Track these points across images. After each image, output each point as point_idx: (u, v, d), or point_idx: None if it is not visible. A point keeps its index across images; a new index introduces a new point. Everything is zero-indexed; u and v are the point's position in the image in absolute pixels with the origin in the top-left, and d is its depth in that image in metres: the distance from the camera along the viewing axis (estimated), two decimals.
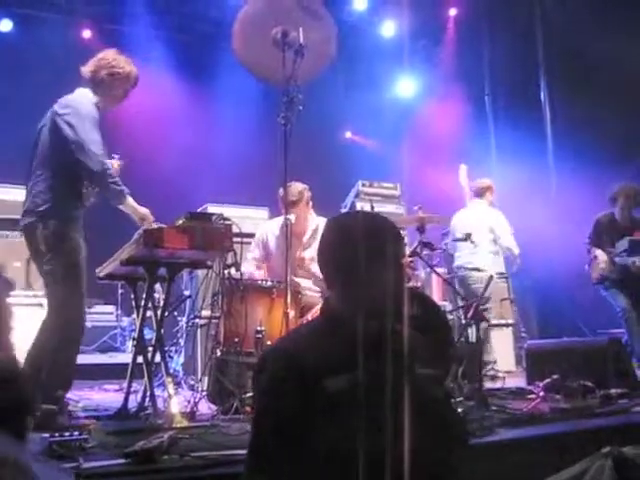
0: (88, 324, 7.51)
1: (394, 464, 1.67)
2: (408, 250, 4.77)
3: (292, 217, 4.42)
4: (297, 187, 5.04)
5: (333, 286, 1.97)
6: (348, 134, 10.89)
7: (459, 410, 3.51)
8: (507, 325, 7.51)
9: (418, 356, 1.88)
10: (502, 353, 7.00)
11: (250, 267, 5.07)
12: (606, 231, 6.47)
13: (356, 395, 1.73)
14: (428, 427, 1.77)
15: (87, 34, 9.13)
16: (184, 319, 5.70)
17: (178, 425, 3.43)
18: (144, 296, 3.90)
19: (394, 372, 1.81)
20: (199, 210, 5.82)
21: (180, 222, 3.61)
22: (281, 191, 4.76)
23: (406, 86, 10.83)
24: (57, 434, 2.71)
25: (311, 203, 5.21)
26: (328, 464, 1.70)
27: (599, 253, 6.39)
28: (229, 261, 4.00)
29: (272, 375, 1.81)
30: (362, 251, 1.87)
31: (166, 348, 4.83)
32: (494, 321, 6.98)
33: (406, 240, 5.41)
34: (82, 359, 6.95)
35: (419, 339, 1.95)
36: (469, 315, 4.06)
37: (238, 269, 4.02)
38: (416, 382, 1.82)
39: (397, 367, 1.82)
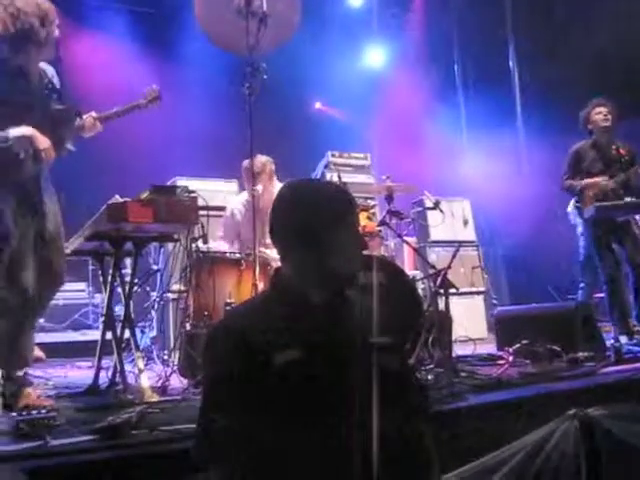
0: (59, 302, 7.50)
1: (349, 434, 1.66)
2: (378, 219, 4.78)
3: (259, 187, 4.40)
4: (260, 159, 5.02)
5: (287, 255, 1.93)
6: (318, 105, 10.81)
7: (428, 377, 3.54)
8: (478, 293, 7.59)
9: (374, 325, 1.83)
10: (474, 320, 7.10)
11: (221, 247, 5.03)
12: (589, 159, 5.77)
13: (306, 368, 1.71)
14: (383, 396, 1.74)
15: None
16: (155, 294, 5.67)
17: (149, 400, 3.43)
18: (111, 271, 3.87)
19: (345, 342, 1.78)
20: (168, 184, 5.76)
21: (144, 195, 3.57)
22: (245, 163, 4.72)
23: (375, 56, 10.75)
24: (24, 412, 2.68)
25: (275, 177, 5.17)
26: (278, 438, 1.68)
27: (587, 180, 5.66)
28: (196, 234, 3.97)
29: (219, 352, 1.77)
30: (317, 218, 1.84)
31: (138, 323, 4.82)
32: (465, 289, 7.05)
33: (376, 210, 5.42)
34: (54, 337, 6.96)
35: (376, 307, 1.91)
36: (438, 283, 4.07)
37: (206, 242, 3.99)
38: (369, 351, 1.78)
39: (349, 337, 1.79)
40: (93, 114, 3.96)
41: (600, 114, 5.76)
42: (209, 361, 1.80)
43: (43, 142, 3.33)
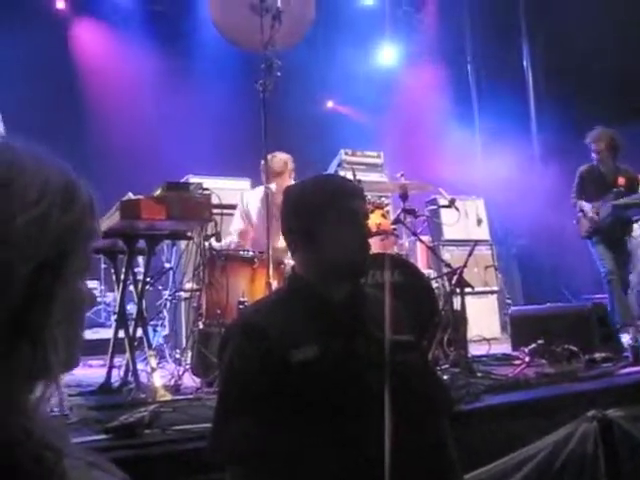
0: None
1: (368, 434, 1.62)
2: (391, 218, 4.73)
3: (273, 186, 4.36)
4: (281, 158, 4.96)
5: (294, 252, 1.90)
6: (330, 104, 10.77)
7: (444, 377, 3.49)
8: (492, 292, 7.53)
9: (390, 322, 1.79)
10: (487, 320, 7.04)
11: (233, 239, 5.00)
12: (589, 182, 6.31)
13: (323, 365, 1.67)
14: (404, 395, 1.71)
15: (61, 5, 8.91)
16: (167, 292, 5.64)
17: (161, 399, 3.40)
18: (124, 269, 3.84)
19: (363, 339, 1.75)
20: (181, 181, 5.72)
21: (157, 192, 3.54)
22: (263, 162, 4.67)
23: (387, 54, 10.70)
24: None
25: (294, 174, 5.13)
26: (295, 438, 1.64)
27: (585, 205, 6.27)
28: (209, 232, 3.94)
29: (235, 350, 1.73)
30: (311, 212, 1.80)
31: (150, 322, 4.79)
32: (479, 288, 6.99)
33: (389, 208, 5.37)
34: None
35: (394, 305, 1.88)
36: (453, 282, 4.02)
37: (219, 240, 3.95)
38: (389, 349, 1.75)
39: (366, 334, 1.76)
40: None
41: (601, 157, 6.22)
42: (226, 359, 1.76)
43: None
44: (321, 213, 1.79)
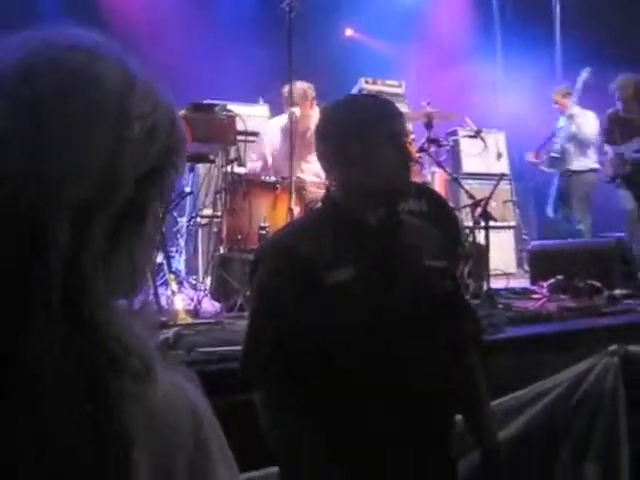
0: None
1: (401, 358, 1.62)
2: (415, 147, 4.64)
3: (297, 110, 4.27)
4: (300, 87, 4.82)
5: (331, 173, 1.85)
6: (348, 32, 10.47)
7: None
8: (509, 227, 7.48)
9: (426, 247, 1.78)
10: (503, 255, 7.00)
11: (256, 165, 4.92)
12: (616, 126, 6.32)
13: (359, 288, 1.64)
14: (437, 320, 1.70)
15: None
16: (184, 218, 5.61)
17: (182, 322, 3.41)
18: None
19: (400, 263, 1.72)
20: None
21: (182, 113, 3.46)
22: (286, 88, 4.56)
23: None
24: None
25: (315, 102, 5.01)
26: (327, 360, 1.62)
27: (610, 149, 6.31)
28: (232, 156, 3.88)
29: (270, 270, 1.70)
30: (353, 130, 1.74)
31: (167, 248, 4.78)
32: (497, 223, 6.92)
33: (413, 136, 5.26)
34: None
35: (427, 230, 1.86)
36: (477, 214, 3.97)
37: (241, 164, 3.90)
38: (424, 274, 1.74)
39: (402, 258, 1.73)
40: None
41: (625, 103, 6.22)
42: (257, 279, 1.74)
43: None
44: (360, 133, 1.72)
